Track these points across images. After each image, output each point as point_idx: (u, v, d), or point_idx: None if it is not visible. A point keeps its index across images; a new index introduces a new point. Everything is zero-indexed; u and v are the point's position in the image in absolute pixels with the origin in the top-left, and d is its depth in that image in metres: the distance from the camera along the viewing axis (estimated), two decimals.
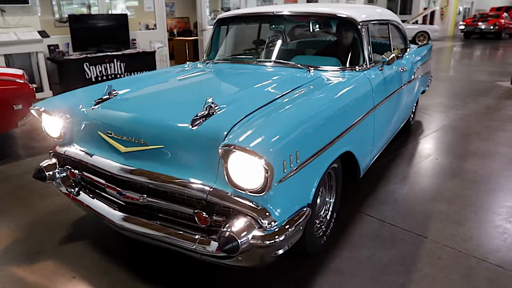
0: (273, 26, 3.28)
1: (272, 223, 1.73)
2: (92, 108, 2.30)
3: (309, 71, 2.78)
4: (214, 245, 1.80)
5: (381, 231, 2.69)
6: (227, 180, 1.74)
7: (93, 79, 6.73)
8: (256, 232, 1.70)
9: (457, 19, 23.11)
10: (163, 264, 2.35)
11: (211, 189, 1.79)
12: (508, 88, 7.61)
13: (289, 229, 1.77)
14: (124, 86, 2.58)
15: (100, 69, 6.80)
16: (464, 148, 4.34)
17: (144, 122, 2.02)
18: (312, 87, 2.46)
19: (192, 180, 1.85)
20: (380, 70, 3.07)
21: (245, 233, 1.67)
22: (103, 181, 2.22)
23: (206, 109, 1.94)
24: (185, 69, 3.14)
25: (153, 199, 2.02)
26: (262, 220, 1.72)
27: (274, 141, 1.71)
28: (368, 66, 2.91)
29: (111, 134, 2.11)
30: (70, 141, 2.43)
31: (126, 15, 7.43)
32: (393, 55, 3.05)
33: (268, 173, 1.62)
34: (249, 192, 1.70)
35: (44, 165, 2.45)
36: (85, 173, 2.35)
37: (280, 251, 1.81)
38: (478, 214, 2.90)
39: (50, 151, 2.55)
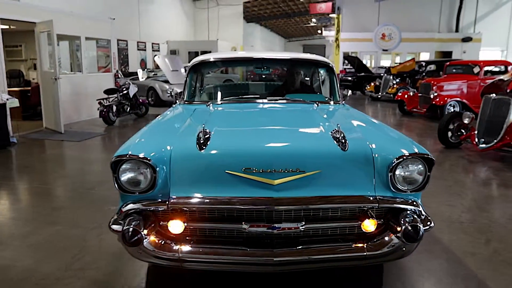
0: (262, 69, 3.68)
1: (423, 211, 2.22)
2: (202, 149, 2.16)
3: (317, 105, 3.33)
4: (396, 241, 2.11)
5: None
6: (391, 186, 2.13)
7: None
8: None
9: None
10: None
11: (380, 197, 2.13)
12: None
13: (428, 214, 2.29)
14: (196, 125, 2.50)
15: None
16: None
17: (302, 152, 2.13)
18: (342, 114, 3.09)
19: (355, 194, 2.14)
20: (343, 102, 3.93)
21: (419, 222, 2.10)
22: (235, 225, 2.12)
23: (338, 134, 2.27)
24: (209, 110, 3.09)
25: (313, 224, 2.14)
26: (418, 210, 2.19)
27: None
28: (342, 100, 3.70)
29: (252, 170, 2.08)
30: (163, 191, 2.15)
31: None
32: (350, 91, 3.98)
33: (431, 171, 2.14)
34: (410, 191, 2.16)
35: (132, 226, 2.05)
36: (200, 223, 2.16)
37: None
38: None
39: (126, 208, 2.15)
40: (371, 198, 2.13)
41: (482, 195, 4.23)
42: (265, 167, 2.08)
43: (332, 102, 3.55)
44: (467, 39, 19.37)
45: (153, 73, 15.09)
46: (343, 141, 2.22)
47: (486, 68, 9.44)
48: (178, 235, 2.18)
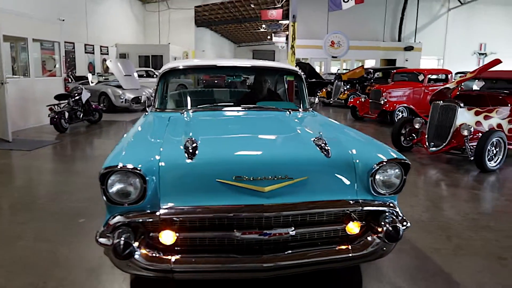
0: (234, 77, 3.73)
1: (400, 212, 2.39)
2: (191, 160, 2.17)
3: (290, 112, 3.44)
4: (377, 241, 2.25)
5: None
6: (371, 189, 2.28)
7: None
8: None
9: None
10: None
11: (362, 201, 2.26)
12: None
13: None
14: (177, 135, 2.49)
15: None
16: None
17: (290, 159, 2.21)
18: (314, 121, 3.23)
19: (340, 198, 2.25)
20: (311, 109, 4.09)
21: (398, 222, 2.25)
22: (226, 233, 2.14)
23: (320, 141, 2.38)
24: (184, 118, 3.07)
25: (301, 229, 2.21)
26: (396, 212, 2.35)
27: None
28: (310, 107, 3.85)
29: (242, 178, 2.12)
30: (152, 202, 2.13)
31: None
32: (317, 99, 4.15)
33: (407, 175, 2.31)
34: (389, 193, 2.32)
35: (123, 238, 2.01)
36: (190, 233, 2.15)
37: None
38: None
39: (114, 221, 2.10)
40: (354, 201, 2.25)
41: (437, 195, 4.59)
42: (256, 175, 2.12)
43: (301, 110, 3.68)
44: (409, 48, 20.79)
45: (103, 77, 14.52)
46: (326, 148, 2.33)
47: (429, 76, 10.20)
48: (169, 245, 2.16)
